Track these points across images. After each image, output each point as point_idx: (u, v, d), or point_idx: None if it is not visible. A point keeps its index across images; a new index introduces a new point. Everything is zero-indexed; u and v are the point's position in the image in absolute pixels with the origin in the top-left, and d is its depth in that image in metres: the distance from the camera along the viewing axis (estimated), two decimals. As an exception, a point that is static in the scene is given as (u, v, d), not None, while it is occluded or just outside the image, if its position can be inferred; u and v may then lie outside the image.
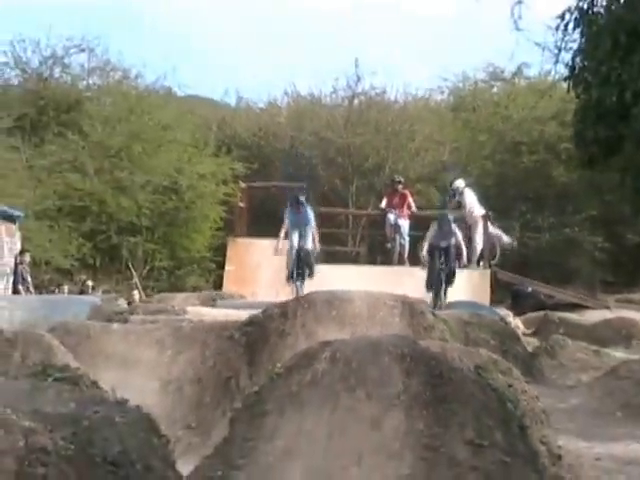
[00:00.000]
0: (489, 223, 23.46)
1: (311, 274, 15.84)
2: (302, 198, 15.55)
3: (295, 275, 15.55)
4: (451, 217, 18.37)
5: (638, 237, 25.01)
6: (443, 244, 17.57)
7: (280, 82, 41.60)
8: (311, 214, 15.66)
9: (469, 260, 20.96)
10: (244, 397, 10.16)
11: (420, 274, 19.92)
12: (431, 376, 8.26)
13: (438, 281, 17.39)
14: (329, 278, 19.14)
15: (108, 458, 5.17)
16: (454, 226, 18.21)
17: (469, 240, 22.07)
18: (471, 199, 23.00)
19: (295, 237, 15.41)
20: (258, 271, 21.78)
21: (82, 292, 23.29)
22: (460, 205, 22.91)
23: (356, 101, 30.36)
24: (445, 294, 17.59)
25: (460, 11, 34.53)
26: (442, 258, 17.53)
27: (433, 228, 17.99)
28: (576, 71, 12.34)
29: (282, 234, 16.22)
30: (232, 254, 23.01)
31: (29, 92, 29.00)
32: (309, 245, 15.47)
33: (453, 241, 17.93)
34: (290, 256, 15.27)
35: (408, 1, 54.58)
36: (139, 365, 12.74)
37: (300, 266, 15.42)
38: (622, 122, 11.09)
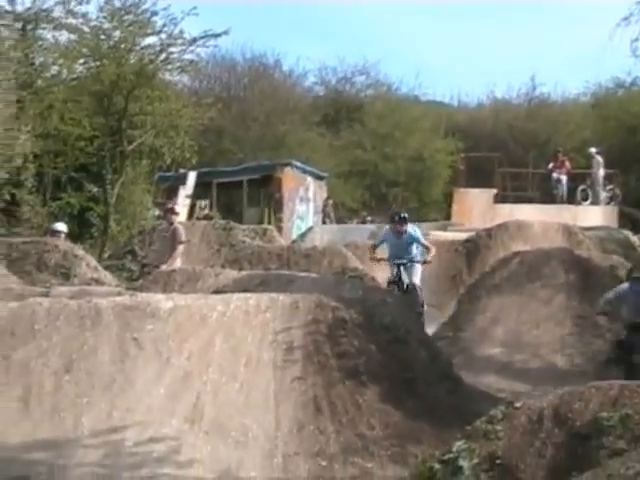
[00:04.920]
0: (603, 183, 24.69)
1: (421, 311, 10.11)
2: (404, 215, 10.82)
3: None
4: None
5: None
6: None
7: (482, 86, 45.79)
8: (417, 232, 10.91)
9: (595, 202, 24.36)
10: (465, 287, 12.59)
11: (574, 209, 23.04)
12: (582, 272, 10.19)
13: None
14: (517, 212, 21.46)
15: (383, 324, 6.18)
16: None
17: (592, 184, 24.98)
18: (598, 162, 25.01)
19: (395, 267, 10.47)
20: (472, 208, 24.21)
21: (363, 222, 26.56)
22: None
23: (532, 102, 35.81)
24: None
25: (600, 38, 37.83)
26: None
27: (629, 297, 8.64)
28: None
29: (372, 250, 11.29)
30: (456, 198, 25.51)
31: (330, 100, 35.03)
32: (416, 279, 10.43)
33: None
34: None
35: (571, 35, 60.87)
36: (405, 268, 12.60)
37: (410, 305, 9.46)
38: None
